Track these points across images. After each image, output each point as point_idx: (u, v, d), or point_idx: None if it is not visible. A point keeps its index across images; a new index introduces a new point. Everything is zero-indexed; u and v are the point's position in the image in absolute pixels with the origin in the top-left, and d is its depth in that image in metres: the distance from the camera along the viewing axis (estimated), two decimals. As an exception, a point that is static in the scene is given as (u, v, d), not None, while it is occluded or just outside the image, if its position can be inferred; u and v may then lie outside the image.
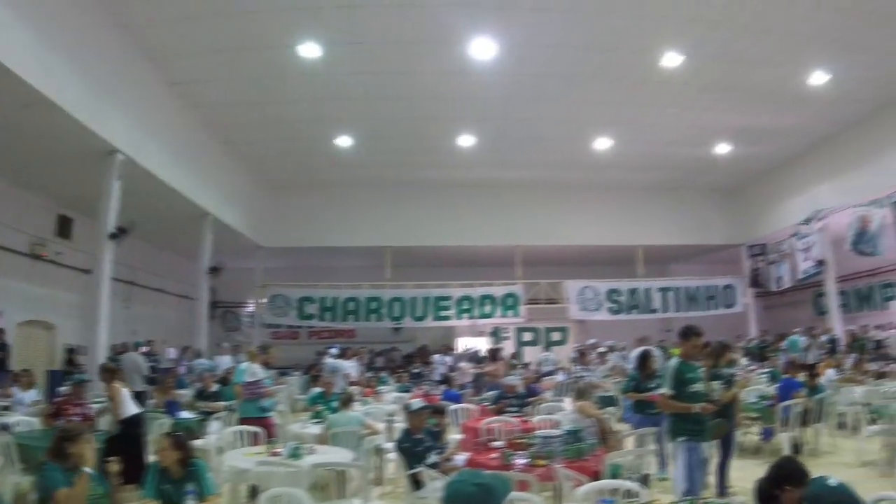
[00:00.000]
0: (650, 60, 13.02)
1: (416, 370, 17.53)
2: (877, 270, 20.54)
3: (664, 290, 21.51)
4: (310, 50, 12.26)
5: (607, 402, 11.11)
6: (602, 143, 17.32)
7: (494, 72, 13.16)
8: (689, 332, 6.34)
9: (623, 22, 11.72)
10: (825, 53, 13.34)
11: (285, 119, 15.53)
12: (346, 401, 8.70)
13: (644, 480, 6.12)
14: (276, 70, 13.13)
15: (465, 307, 20.35)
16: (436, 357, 18.75)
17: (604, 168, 19.13)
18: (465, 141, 16.97)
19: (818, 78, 14.17)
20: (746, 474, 5.64)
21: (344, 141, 16.97)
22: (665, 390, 6.18)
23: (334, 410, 8.85)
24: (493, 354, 16.72)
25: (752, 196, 21.89)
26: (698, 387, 6.20)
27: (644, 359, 9.16)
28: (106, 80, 10.98)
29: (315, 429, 8.57)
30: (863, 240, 16.90)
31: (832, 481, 3.84)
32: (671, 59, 12.99)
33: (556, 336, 21.50)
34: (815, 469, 8.24)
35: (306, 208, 20.51)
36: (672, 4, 11.32)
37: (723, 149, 18.31)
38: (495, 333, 21.30)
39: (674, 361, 6.31)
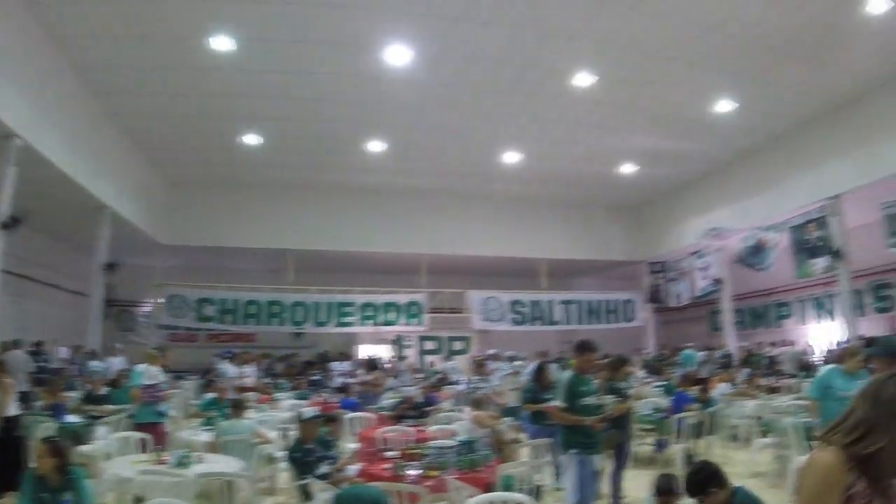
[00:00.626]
0: (562, 78, 13.24)
1: (314, 377, 17.16)
2: (772, 290, 21.66)
3: (566, 302, 21.94)
4: (221, 43, 11.77)
5: (509, 412, 11.15)
6: (511, 157, 17.48)
7: (407, 78, 13.06)
8: (583, 347, 6.44)
9: (537, 39, 11.87)
10: (730, 83, 13.95)
11: (192, 113, 14.92)
12: (237, 407, 8.43)
13: (536, 492, 6.15)
14: (186, 62, 12.57)
15: (369, 314, 20.17)
16: (334, 364, 18.43)
17: (511, 181, 19.35)
18: (375, 146, 16.75)
19: (723, 106, 14.81)
20: (640, 484, 5.73)
21: (251, 139, 16.45)
22: (558, 402, 6.25)
23: (227, 417, 8.57)
24: (371, 365, 16.45)
25: (655, 215, 22.62)
26: (590, 400, 6.29)
27: (540, 371, 9.28)
28: (2, 57, 10.25)
29: (206, 436, 8.25)
30: (755, 256, 17.78)
31: (753, 493, 4.09)
32: (582, 79, 13.24)
33: (458, 345, 21.55)
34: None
35: (209, 206, 19.83)
36: (585, 26, 11.51)
37: (628, 168, 18.84)
38: (398, 341, 21.22)
39: (567, 374, 6.41)
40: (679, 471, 8.97)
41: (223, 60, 12.33)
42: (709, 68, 13.23)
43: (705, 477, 4.03)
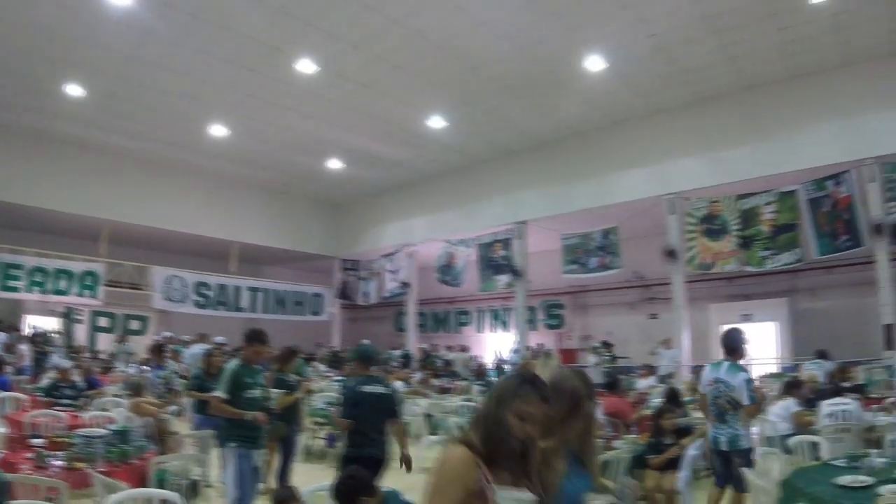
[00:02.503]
0: (285, 61, 12.75)
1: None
2: (454, 299, 23.03)
3: (254, 290, 21.31)
4: None
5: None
6: (218, 130, 16.33)
7: (122, 19, 11.36)
8: (253, 337, 6.11)
9: (267, 15, 11.21)
10: (447, 103, 14.67)
11: None
12: None
13: (193, 487, 5.79)
14: None
15: (38, 280, 17.26)
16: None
17: (214, 156, 18.20)
18: (73, 90, 14.40)
19: (436, 122, 15.49)
20: (311, 478, 5.60)
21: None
22: (219, 393, 5.85)
23: None
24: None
25: (354, 214, 22.92)
26: (255, 392, 6.00)
27: (208, 357, 8.87)
28: None
29: None
30: (448, 272, 18.96)
31: (404, 498, 4.07)
32: (305, 66, 12.89)
33: (135, 325, 19.47)
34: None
35: None
36: (317, 15, 11.22)
37: (335, 164, 18.82)
38: (68, 315, 18.55)
39: (233, 364, 6.04)
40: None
41: None
42: (431, 84, 13.72)
43: (354, 486, 3.90)
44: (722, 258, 14.13)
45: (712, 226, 14.21)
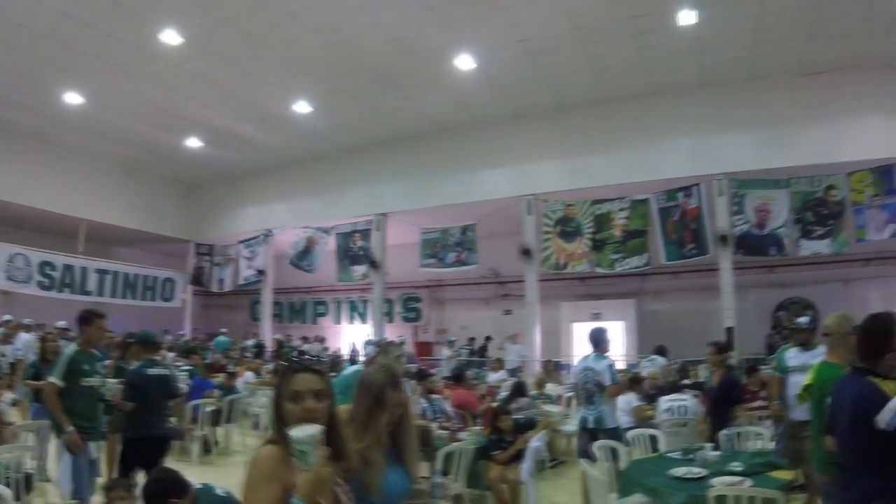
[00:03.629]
0: (149, 29, 12.09)
1: None
2: (312, 289, 22.77)
3: (102, 272, 19.97)
4: None
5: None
6: (73, 98, 15.24)
7: None
8: (89, 317, 5.73)
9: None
10: (315, 89, 14.51)
11: None
12: None
13: (27, 480, 5.42)
14: None
15: None
16: None
17: (66, 126, 16.91)
18: None
19: (301, 107, 15.27)
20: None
21: None
22: (53, 379, 5.48)
23: None
24: None
25: (211, 196, 22.09)
26: (94, 380, 5.68)
27: (43, 341, 8.56)
28: None
29: None
30: (304, 258, 18.67)
31: (219, 491, 3.90)
32: (170, 37, 12.28)
33: None
34: (227, 467, 8.44)
35: None
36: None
37: (194, 143, 18.09)
38: None
39: (70, 349, 5.69)
40: (193, 458, 8.91)
41: None
42: (299, 67, 13.55)
43: (162, 488, 3.70)
44: (575, 259, 14.77)
45: (567, 228, 14.83)
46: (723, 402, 6.89)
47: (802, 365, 5.75)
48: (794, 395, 5.25)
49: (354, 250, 17.92)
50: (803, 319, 6.52)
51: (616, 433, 6.73)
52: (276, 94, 14.69)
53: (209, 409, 9.74)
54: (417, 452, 2.87)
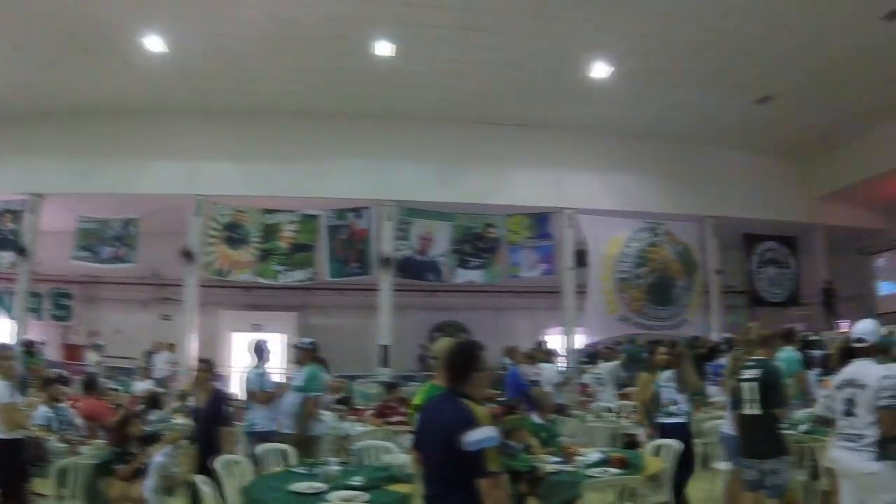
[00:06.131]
0: None
1: None
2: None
3: None
4: None
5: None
6: None
7: None
8: None
9: None
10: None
11: None
12: None
13: None
14: None
15: None
16: None
17: None
18: None
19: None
20: None
21: None
22: None
23: None
24: None
25: None
26: None
27: None
28: None
29: None
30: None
31: None
32: None
33: None
34: None
35: None
36: None
37: None
38: None
39: None
40: None
41: None
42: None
43: None
44: (239, 267, 14.16)
45: (234, 234, 14.18)
46: (212, 422, 6.56)
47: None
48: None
49: (4, 233, 15.53)
50: (305, 340, 8.20)
51: (268, 436, 7.23)
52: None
53: None
54: None
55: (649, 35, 11.62)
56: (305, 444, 7.27)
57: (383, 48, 11.57)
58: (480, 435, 3.07)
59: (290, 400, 7.74)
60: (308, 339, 8.41)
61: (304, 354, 8.06)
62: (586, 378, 12.43)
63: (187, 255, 13.99)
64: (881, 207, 18.36)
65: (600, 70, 12.69)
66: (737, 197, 16.63)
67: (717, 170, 16.64)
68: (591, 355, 14.58)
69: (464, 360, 3.41)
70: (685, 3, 10.73)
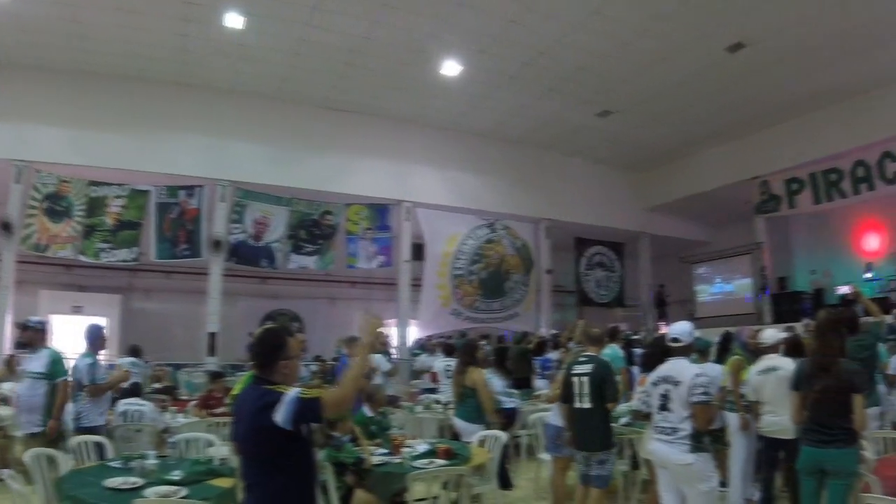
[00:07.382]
0: None
1: None
2: None
3: None
4: None
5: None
6: None
7: None
8: None
9: None
10: None
11: None
12: None
13: None
14: None
15: None
16: None
17: None
18: None
19: None
20: None
21: None
22: None
23: None
24: None
25: None
26: None
27: None
28: None
29: None
30: None
31: None
32: None
33: None
34: None
35: None
36: None
37: None
38: None
39: None
40: None
41: None
42: None
43: None
44: (59, 242, 13.16)
45: (57, 206, 13.15)
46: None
47: None
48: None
49: None
50: (34, 320, 7.16)
51: (99, 430, 6.67)
52: None
53: None
54: None
55: (498, 38, 11.91)
56: (60, 441, 6.55)
57: (234, 20, 11.04)
58: (286, 402, 3.02)
59: (32, 391, 6.63)
60: (38, 318, 7.29)
61: (36, 336, 6.98)
62: (437, 367, 12.28)
63: (6, 227, 12.95)
64: (703, 221, 19.91)
65: (450, 68, 12.92)
66: (572, 202, 17.43)
67: (556, 175, 17.36)
68: (422, 347, 14.79)
69: (271, 348, 3.36)
70: (531, 10, 11.02)
